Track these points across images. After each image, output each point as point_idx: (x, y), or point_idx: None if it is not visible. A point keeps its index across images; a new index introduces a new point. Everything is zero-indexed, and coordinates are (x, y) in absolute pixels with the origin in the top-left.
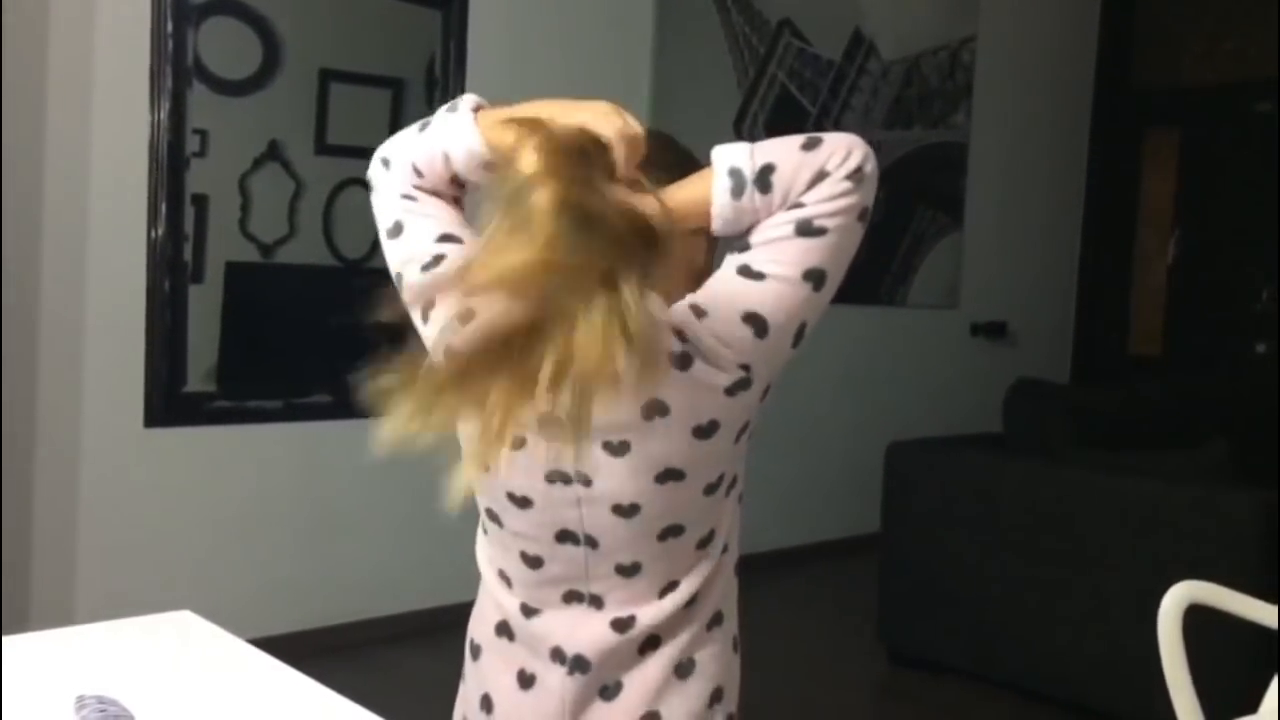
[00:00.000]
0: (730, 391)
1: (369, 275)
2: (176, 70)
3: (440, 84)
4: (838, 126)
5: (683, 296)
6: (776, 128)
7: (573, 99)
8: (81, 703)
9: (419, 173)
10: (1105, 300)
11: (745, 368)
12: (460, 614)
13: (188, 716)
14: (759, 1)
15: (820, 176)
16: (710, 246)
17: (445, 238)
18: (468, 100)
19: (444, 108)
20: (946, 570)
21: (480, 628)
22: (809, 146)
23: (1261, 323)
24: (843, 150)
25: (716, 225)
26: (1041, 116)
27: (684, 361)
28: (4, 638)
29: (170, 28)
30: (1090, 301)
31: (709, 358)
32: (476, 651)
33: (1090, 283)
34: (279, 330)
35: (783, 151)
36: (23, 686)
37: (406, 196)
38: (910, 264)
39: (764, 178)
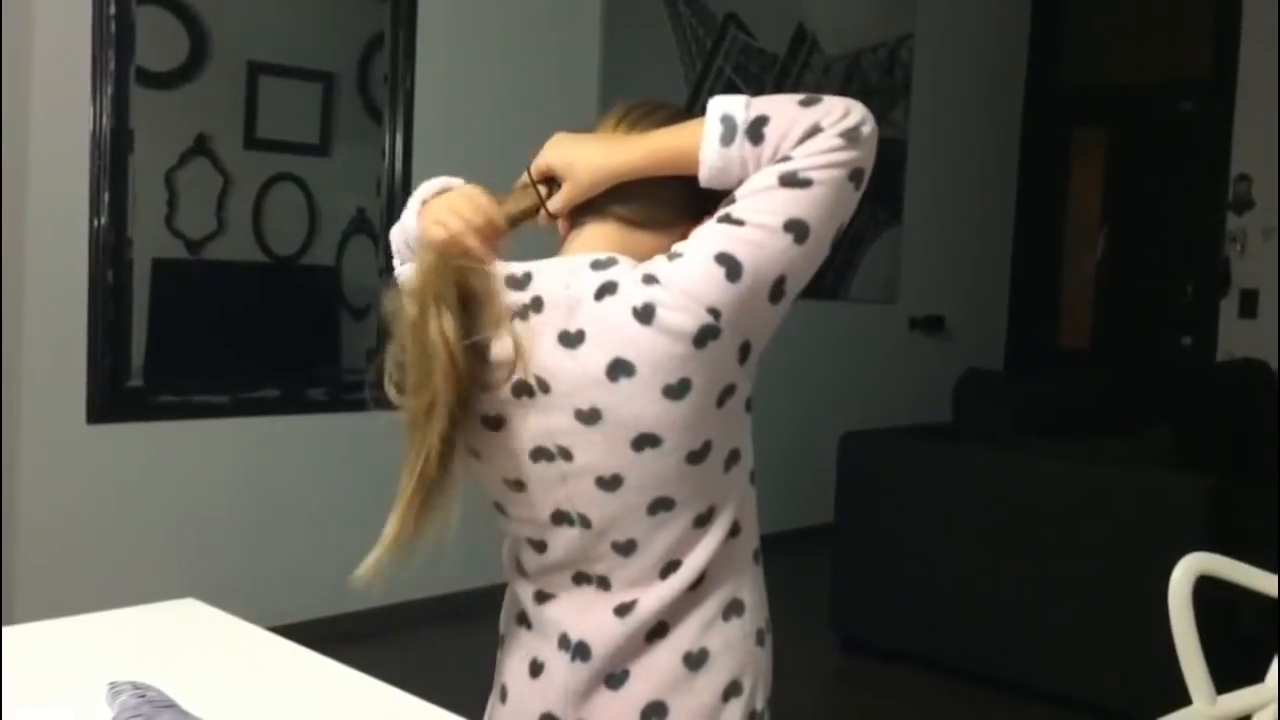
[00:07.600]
0: (698, 341)
1: (302, 272)
2: (120, 56)
3: (390, 77)
4: None
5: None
6: None
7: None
8: (116, 690)
9: (398, 254)
10: (1036, 294)
11: (714, 313)
12: (414, 611)
13: (223, 700)
14: None
15: (813, 131)
16: (694, 208)
17: None
18: (422, 191)
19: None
20: (899, 557)
21: (505, 618)
22: (807, 103)
23: (1186, 317)
24: (840, 109)
25: (704, 174)
26: (976, 115)
27: (646, 314)
28: (4, 628)
29: (113, 9)
30: (1021, 296)
31: (675, 303)
32: (501, 643)
33: (1021, 277)
34: (216, 327)
35: (779, 105)
36: (43, 676)
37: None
38: (852, 259)
39: (756, 128)
